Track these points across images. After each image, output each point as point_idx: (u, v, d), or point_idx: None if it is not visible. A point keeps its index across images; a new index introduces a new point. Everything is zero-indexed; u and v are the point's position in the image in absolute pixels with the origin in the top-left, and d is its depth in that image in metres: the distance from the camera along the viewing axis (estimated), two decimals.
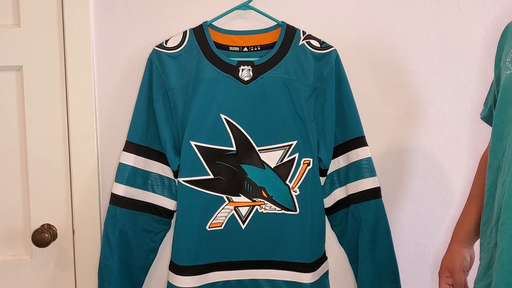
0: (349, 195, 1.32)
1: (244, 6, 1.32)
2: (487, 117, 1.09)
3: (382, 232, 1.31)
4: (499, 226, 0.85)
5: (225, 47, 1.31)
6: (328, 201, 1.35)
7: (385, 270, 1.31)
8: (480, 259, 0.97)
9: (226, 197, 1.30)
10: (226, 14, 1.32)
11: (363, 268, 1.31)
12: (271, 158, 1.30)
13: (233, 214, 1.31)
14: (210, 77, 1.28)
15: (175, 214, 1.32)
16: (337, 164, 1.33)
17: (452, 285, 1.09)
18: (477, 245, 1.04)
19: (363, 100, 1.35)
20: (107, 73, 1.35)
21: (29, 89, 1.33)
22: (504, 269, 0.82)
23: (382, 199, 1.32)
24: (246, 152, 1.29)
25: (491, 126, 0.97)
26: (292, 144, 1.29)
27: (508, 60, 0.94)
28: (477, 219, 1.04)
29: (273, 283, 1.32)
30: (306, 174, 1.30)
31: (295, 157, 1.30)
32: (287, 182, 1.30)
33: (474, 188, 1.13)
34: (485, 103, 1.11)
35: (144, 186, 1.30)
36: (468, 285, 1.10)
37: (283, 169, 1.30)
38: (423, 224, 1.41)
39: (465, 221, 1.11)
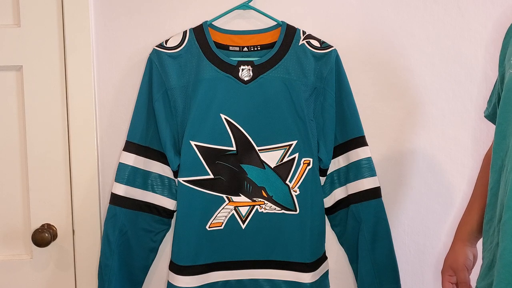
0: (349, 195, 1.32)
1: (244, 6, 1.32)
2: (491, 116, 1.09)
3: (382, 232, 1.31)
4: (501, 225, 0.85)
5: (225, 47, 1.31)
6: (328, 201, 1.35)
7: (385, 270, 1.31)
8: (483, 258, 0.96)
9: (226, 197, 1.30)
10: (226, 14, 1.32)
11: (363, 268, 1.31)
12: (271, 158, 1.30)
13: (233, 214, 1.31)
14: (210, 77, 1.28)
15: (175, 214, 1.32)
16: (337, 164, 1.33)
17: (456, 284, 1.09)
18: (480, 244, 1.04)
19: (363, 100, 1.35)
20: (107, 73, 1.35)
21: (29, 89, 1.33)
22: (505, 269, 0.82)
23: (382, 199, 1.32)
24: (246, 152, 1.29)
25: (495, 124, 0.97)
26: (292, 144, 1.29)
27: None
28: (480, 218, 1.04)
29: (273, 283, 1.32)
30: (306, 174, 1.30)
31: (295, 157, 1.30)
32: (287, 182, 1.30)
33: (478, 187, 1.13)
34: (489, 101, 1.11)
35: (144, 186, 1.30)
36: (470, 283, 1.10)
37: (283, 169, 1.30)
38: (423, 224, 1.41)
39: (468, 219, 1.11)
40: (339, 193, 1.34)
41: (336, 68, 1.29)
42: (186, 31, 1.31)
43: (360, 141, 1.31)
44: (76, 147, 1.34)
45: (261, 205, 1.31)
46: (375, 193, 1.31)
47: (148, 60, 1.30)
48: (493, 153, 0.95)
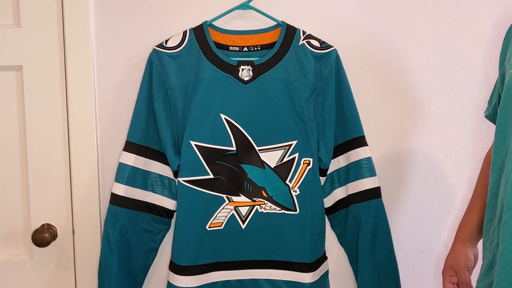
0: (349, 195, 1.32)
1: (244, 6, 1.32)
2: (491, 116, 1.09)
3: (382, 232, 1.31)
4: (501, 225, 0.85)
5: (225, 47, 1.31)
6: (328, 201, 1.35)
7: (385, 270, 1.31)
8: (483, 258, 0.97)
9: (226, 197, 1.30)
10: (226, 14, 1.32)
11: (363, 268, 1.31)
12: (271, 158, 1.30)
13: (233, 214, 1.31)
14: (210, 77, 1.28)
15: (175, 214, 1.32)
16: (337, 164, 1.33)
17: (457, 284, 1.09)
18: (480, 244, 1.04)
19: (363, 100, 1.35)
20: (107, 73, 1.35)
21: (29, 89, 1.33)
22: (506, 269, 0.82)
23: (382, 199, 1.32)
24: (246, 152, 1.29)
25: (495, 124, 0.97)
26: (292, 144, 1.29)
27: None
28: (481, 218, 1.04)
29: (273, 283, 1.32)
30: (306, 174, 1.30)
31: (295, 157, 1.30)
32: (287, 182, 1.30)
33: (478, 187, 1.13)
34: (489, 102, 1.11)
35: (144, 186, 1.30)
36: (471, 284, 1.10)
37: (283, 169, 1.30)
38: (423, 224, 1.41)
39: (469, 220, 1.11)
40: (339, 193, 1.34)
41: (336, 68, 1.29)
42: (186, 31, 1.31)
43: (360, 141, 1.31)
44: (76, 147, 1.34)
45: (261, 205, 1.31)
46: (375, 193, 1.31)
47: (148, 60, 1.30)
48: (493, 154, 0.95)
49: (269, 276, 1.32)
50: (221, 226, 1.31)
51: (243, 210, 1.31)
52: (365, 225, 1.30)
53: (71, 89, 1.32)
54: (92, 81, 1.33)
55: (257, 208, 1.31)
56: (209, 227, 1.30)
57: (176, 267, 1.30)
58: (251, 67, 1.29)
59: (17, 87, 1.34)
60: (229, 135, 1.29)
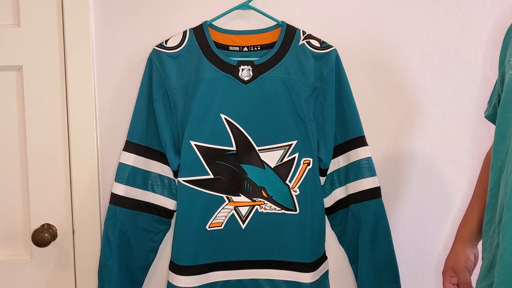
0: (349, 195, 1.32)
1: (244, 6, 1.32)
2: (491, 116, 1.09)
3: (382, 232, 1.31)
4: (501, 226, 0.85)
5: (225, 47, 1.31)
6: (328, 201, 1.35)
7: (385, 270, 1.31)
8: (483, 259, 0.97)
9: (226, 196, 1.30)
10: (226, 14, 1.32)
11: (363, 268, 1.31)
12: (271, 157, 1.30)
13: (233, 214, 1.31)
14: (210, 77, 1.28)
15: (175, 214, 1.32)
16: (337, 163, 1.33)
17: (457, 285, 1.09)
18: (480, 245, 1.04)
19: (363, 100, 1.35)
20: (107, 73, 1.35)
21: (29, 89, 1.33)
22: (506, 270, 0.82)
23: (382, 199, 1.32)
24: (246, 152, 1.29)
25: (495, 125, 0.97)
26: (292, 144, 1.29)
27: None
28: (481, 219, 1.04)
29: (273, 283, 1.32)
30: (306, 174, 1.30)
31: (295, 157, 1.30)
32: (287, 182, 1.30)
33: (478, 187, 1.12)
34: (489, 102, 1.11)
35: (144, 186, 1.30)
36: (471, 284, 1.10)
37: (283, 169, 1.30)
38: (423, 224, 1.41)
39: (469, 220, 1.11)
40: (339, 193, 1.34)
41: (336, 68, 1.29)
42: (186, 31, 1.31)
43: (360, 141, 1.31)
44: (76, 147, 1.34)
45: (261, 205, 1.31)
46: (375, 193, 1.31)
47: (148, 60, 1.30)
48: (493, 154, 0.95)
49: (269, 276, 1.32)
50: (221, 226, 1.31)
51: (243, 210, 1.31)
52: (365, 225, 1.30)
53: (71, 89, 1.32)
54: (92, 81, 1.33)
55: (257, 208, 1.31)
56: (209, 227, 1.30)
57: (176, 267, 1.30)
58: (251, 67, 1.29)
59: (17, 87, 1.34)
60: (229, 135, 1.29)
